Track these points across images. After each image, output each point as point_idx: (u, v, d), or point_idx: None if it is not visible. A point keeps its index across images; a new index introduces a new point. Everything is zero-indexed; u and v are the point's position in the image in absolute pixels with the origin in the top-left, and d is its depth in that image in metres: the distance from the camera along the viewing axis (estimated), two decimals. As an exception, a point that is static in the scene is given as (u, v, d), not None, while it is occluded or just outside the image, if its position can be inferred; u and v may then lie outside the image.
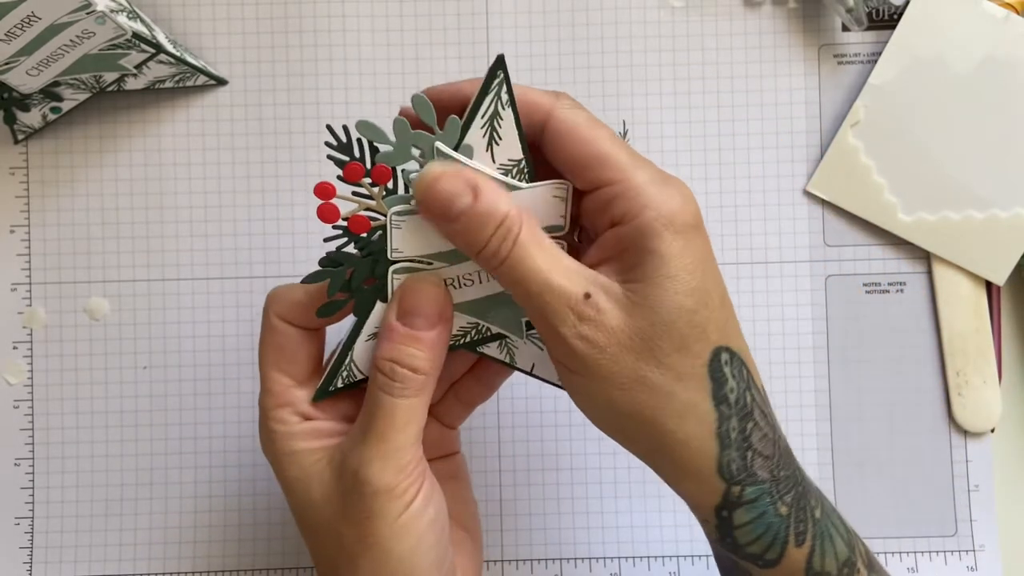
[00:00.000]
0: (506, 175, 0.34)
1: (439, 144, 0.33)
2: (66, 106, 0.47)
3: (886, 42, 0.48)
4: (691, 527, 0.49)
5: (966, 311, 0.49)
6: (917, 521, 0.49)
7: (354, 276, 0.34)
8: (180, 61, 0.46)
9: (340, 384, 0.36)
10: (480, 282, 0.35)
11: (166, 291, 0.49)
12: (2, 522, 0.48)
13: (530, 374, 0.37)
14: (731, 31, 0.49)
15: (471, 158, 0.33)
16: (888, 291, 0.49)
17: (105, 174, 0.49)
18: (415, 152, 0.33)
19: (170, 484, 0.48)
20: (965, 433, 0.49)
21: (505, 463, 0.49)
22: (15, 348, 0.49)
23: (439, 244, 0.34)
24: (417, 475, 0.34)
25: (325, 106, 0.49)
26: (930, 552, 0.49)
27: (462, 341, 0.36)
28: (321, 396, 0.36)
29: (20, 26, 0.40)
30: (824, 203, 0.49)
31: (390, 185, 0.34)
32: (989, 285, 0.49)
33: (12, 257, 0.49)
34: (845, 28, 0.49)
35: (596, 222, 0.34)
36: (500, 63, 0.32)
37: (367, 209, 0.34)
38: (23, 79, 0.43)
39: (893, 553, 0.49)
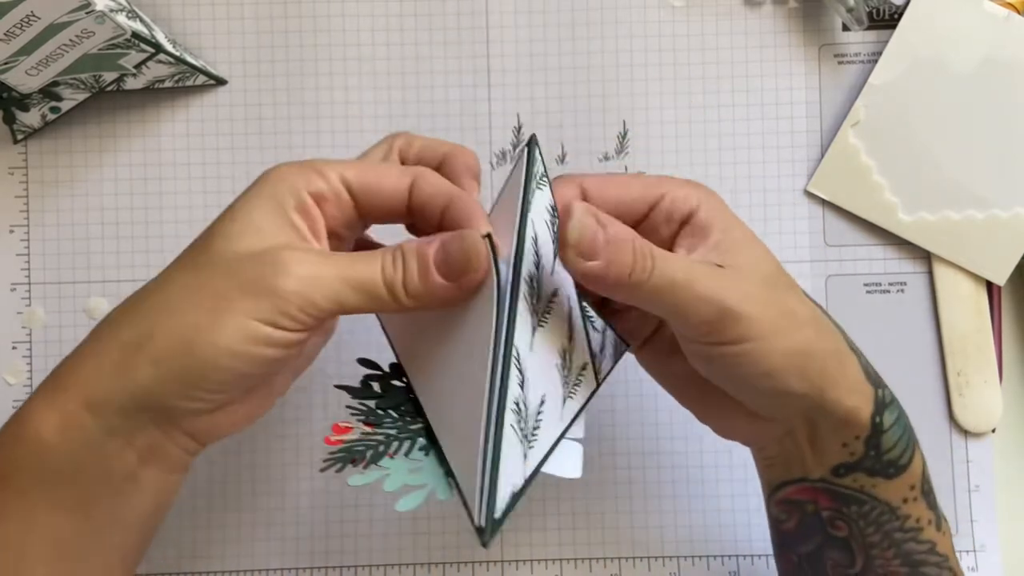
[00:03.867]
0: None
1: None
2: (65, 106, 0.47)
3: (886, 42, 0.48)
4: (691, 528, 0.49)
5: (967, 311, 0.49)
6: (917, 521, 0.49)
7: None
8: (179, 61, 0.46)
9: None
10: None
11: (166, 291, 0.49)
12: (1, 522, 0.48)
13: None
14: (731, 31, 0.49)
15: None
16: (889, 291, 0.49)
17: (105, 174, 0.49)
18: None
19: (170, 484, 0.48)
20: (966, 433, 0.49)
21: (505, 463, 0.49)
22: (14, 348, 0.49)
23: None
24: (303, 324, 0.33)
25: (325, 106, 0.49)
26: (930, 552, 0.49)
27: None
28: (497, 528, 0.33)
29: (19, 26, 0.39)
30: (824, 203, 0.49)
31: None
32: (990, 285, 0.49)
33: (12, 257, 0.49)
34: (845, 28, 0.49)
35: (663, 232, 0.37)
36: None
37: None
38: (22, 79, 0.43)
39: (893, 553, 0.49)
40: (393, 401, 0.36)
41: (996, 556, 0.49)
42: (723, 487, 0.49)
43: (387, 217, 0.36)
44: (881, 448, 0.36)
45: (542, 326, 0.35)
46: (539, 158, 0.36)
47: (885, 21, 0.49)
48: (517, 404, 0.33)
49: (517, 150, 0.34)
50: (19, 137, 0.48)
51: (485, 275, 0.33)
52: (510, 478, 0.32)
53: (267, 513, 0.48)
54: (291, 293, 0.32)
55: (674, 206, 0.36)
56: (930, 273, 0.49)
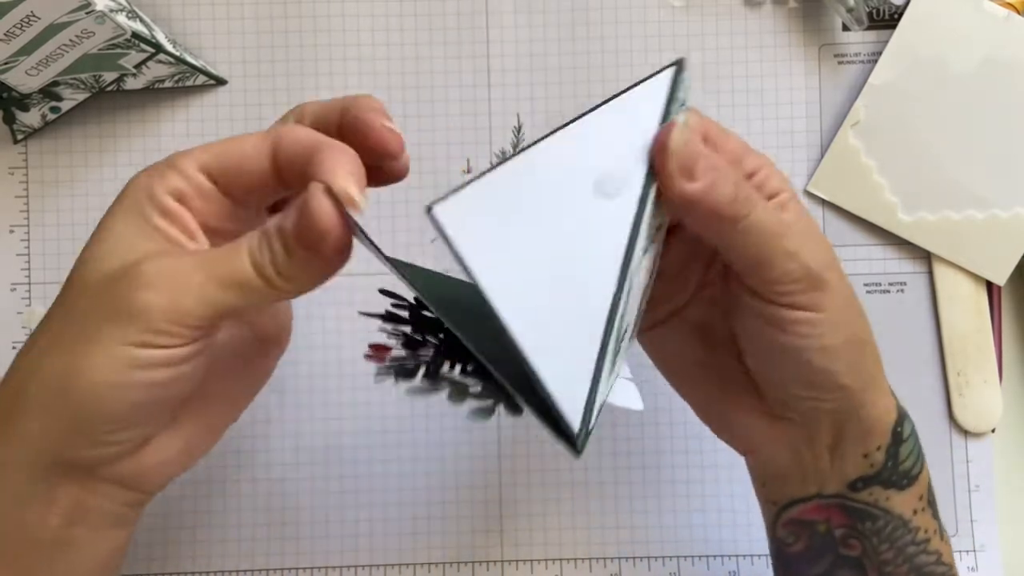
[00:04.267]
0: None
1: None
2: (65, 106, 0.47)
3: (886, 42, 0.48)
4: (691, 528, 0.49)
5: (967, 311, 0.49)
6: (917, 521, 0.49)
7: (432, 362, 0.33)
8: (180, 61, 0.46)
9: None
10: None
11: (166, 291, 0.49)
12: (1, 522, 0.48)
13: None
14: (731, 31, 0.49)
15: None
16: (889, 291, 0.49)
17: (105, 174, 0.49)
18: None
19: (169, 484, 0.48)
20: (966, 433, 0.49)
21: (505, 463, 0.49)
22: (15, 348, 0.49)
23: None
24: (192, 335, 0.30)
25: (325, 106, 0.49)
26: (930, 552, 0.49)
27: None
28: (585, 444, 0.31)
29: (19, 26, 0.39)
30: (824, 203, 0.49)
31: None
32: (989, 285, 0.49)
33: (12, 257, 0.49)
34: (845, 28, 0.49)
35: None
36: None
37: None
38: (22, 79, 0.43)
39: (893, 553, 0.49)
40: (428, 327, 0.34)
41: (996, 556, 0.49)
42: (723, 487, 0.49)
43: (258, 193, 0.32)
44: (899, 458, 0.36)
45: (647, 252, 0.32)
46: (686, 83, 0.33)
47: (885, 21, 0.49)
48: (620, 318, 0.30)
49: (651, 76, 0.32)
50: (19, 137, 0.48)
51: (338, 235, 0.29)
52: (601, 392, 0.30)
53: (266, 513, 0.48)
54: (155, 307, 0.28)
55: (768, 182, 0.34)
56: (930, 273, 0.49)
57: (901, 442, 0.36)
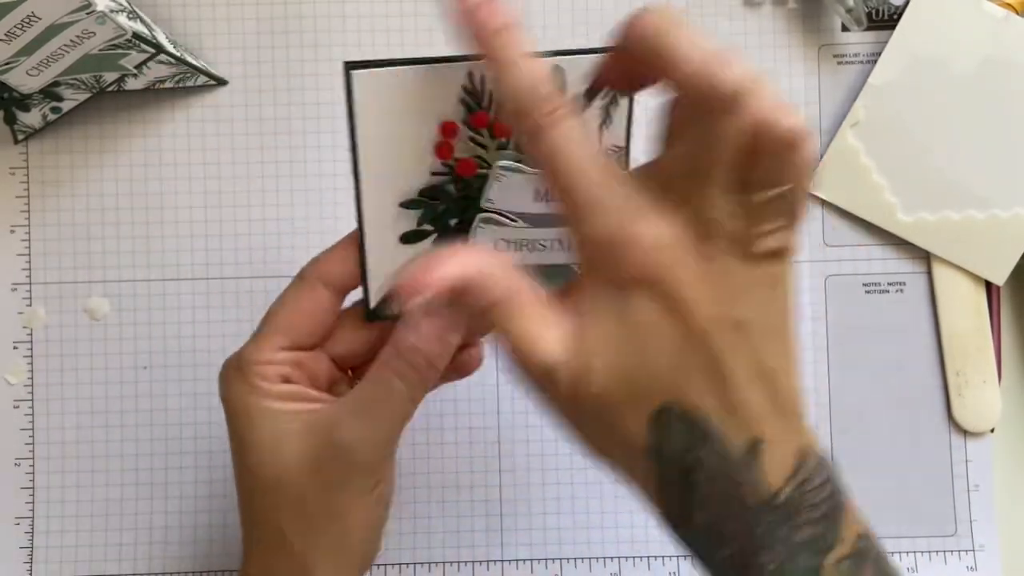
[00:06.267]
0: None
1: None
2: (66, 106, 0.47)
3: (886, 42, 0.48)
4: (691, 527, 0.49)
5: (966, 311, 0.49)
6: (917, 521, 0.49)
7: (444, 212, 0.36)
8: (180, 61, 0.46)
9: (397, 310, 0.36)
10: (550, 250, 0.37)
11: (166, 291, 0.49)
12: (2, 522, 0.48)
13: None
14: (731, 31, 0.49)
15: None
16: (888, 291, 0.49)
17: (105, 174, 0.49)
18: None
19: (170, 484, 0.48)
20: (965, 433, 0.49)
21: (505, 463, 0.49)
22: (15, 348, 0.49)
23: (528, 205, 0.36)
24: (392, 461, 0.37)
25: (325, 106, 0.49)
26: (930, 552, 0.49)
27: None
28: (377, 318, 0.37)
29: (20, 26, 0.40)
30: (824, 203, 0.49)
31: (504, 140, 0.35)
32: (989, 285, 0.49)
33: (12, 257, 0.49)
34: (845, 28, 0.49)
35: None
36: None
37: (477, 156, 0.35)
38: (23, 79, 0.43)
39: (892, 553, 0.49)
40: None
41: (995, 556, 0.49)
42: (723, 487, 0.49)
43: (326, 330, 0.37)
44: None
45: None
46: None
47: (884, 21, 0.49)
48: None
49: None
50: (20, 137, 0.48)
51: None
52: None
53: (267, 513, 0.49)
54: (366, 461, 0.35)
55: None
56: (929, 273, 0.49)
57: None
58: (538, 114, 0.30)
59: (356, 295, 0.37)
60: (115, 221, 0.49)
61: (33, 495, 0.48)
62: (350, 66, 0.33)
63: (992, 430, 0.49)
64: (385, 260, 0.36)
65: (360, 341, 0.38)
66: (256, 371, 0.36)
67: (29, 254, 0.49)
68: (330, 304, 0.37)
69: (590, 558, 0.49)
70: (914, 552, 0.48)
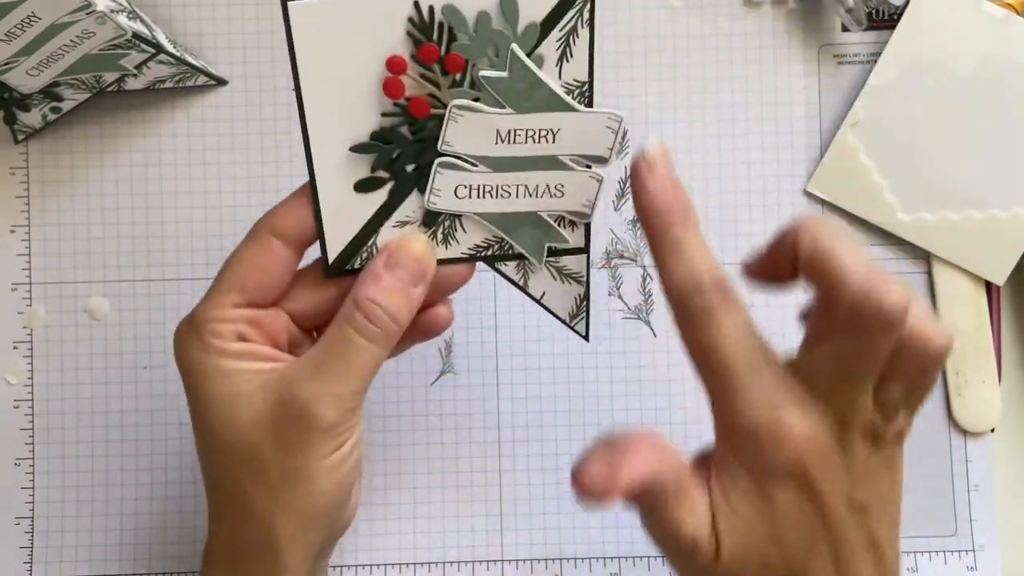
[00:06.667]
0: (568, 94, 0.34)
1: (514, 47, 0.33)
2: (66, 106, 0.47)
3: (886, 42, 0.48)
4: (691, 527, 0.49)
5: (966, 311, 0.49)
6: (916, 521, 0.49)
7: (399, 157, 0.34)
8: (180, 61, 0.46)
9: (358, 264, 0.36)
10: (515, 196, 0.35)
11: (166, 291, 0.49)
12: (2, 522, 0.48)
13: (538, 301, 0.38)
14: (731, 31, 0.49)
15: (540, 68, 0.33)
16: (888, 291, 0.49)
17: (105, 174, 0.49)
18: (490, 51, 0.33)
19: (170, 484, 0.48)
20: (965, 433, 0.49)
21: (505, 463, 0.49)
22: (15, 348, 0.49)
23: (489, 148, 0.34)
24: (357, 419, 0.35)
25: (325, 106, 0.49)
26: (930, 552, 0.49)
27: (484, 253, 0.36)
28: (337, 273, 0.36)
29: (20, 26, 0.40)
30: (824, 203, 0.49)
31: (458, 77, 0.33)
32: (989, 285, 0.49)
33: (12, 257, 0.49)
34: (845, 28, 0.49)
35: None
36: None
37: (430, 95, 0.34)
38: (23, 79, 0.43)
39: (893, 553, 0.49)
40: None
41: (995, 556, 0.49)
42: (723, 487, 0.49)
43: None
44: None
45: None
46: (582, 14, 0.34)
47: (884, 21, 0.49)
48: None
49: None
50: (20, 137, 0.48)
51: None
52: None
53: (267, 513, 0.49)
54: (327, 421, 0.34)
55: None
56: (929, 273, 0.49)
57: None
58: (709, 296, 0.32)
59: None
60: (115, 221, 0.49)
61: (33, 495, 0.48)
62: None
63: (992, 430, 0.49)
64: (341, 210, 0.35)
65: (320, 298, 0.36)
66: (210, 329, 0.35)
67: (29, 254, 0.49)
68: (286, 258, 0.35)
69: (590, 558, 0.49)
70: (914, 552, 0.49)
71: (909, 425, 0.32)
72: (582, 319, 0.38)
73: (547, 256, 0.37)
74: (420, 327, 0.38)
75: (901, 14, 0.48)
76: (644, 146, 0.33)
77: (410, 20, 0.33)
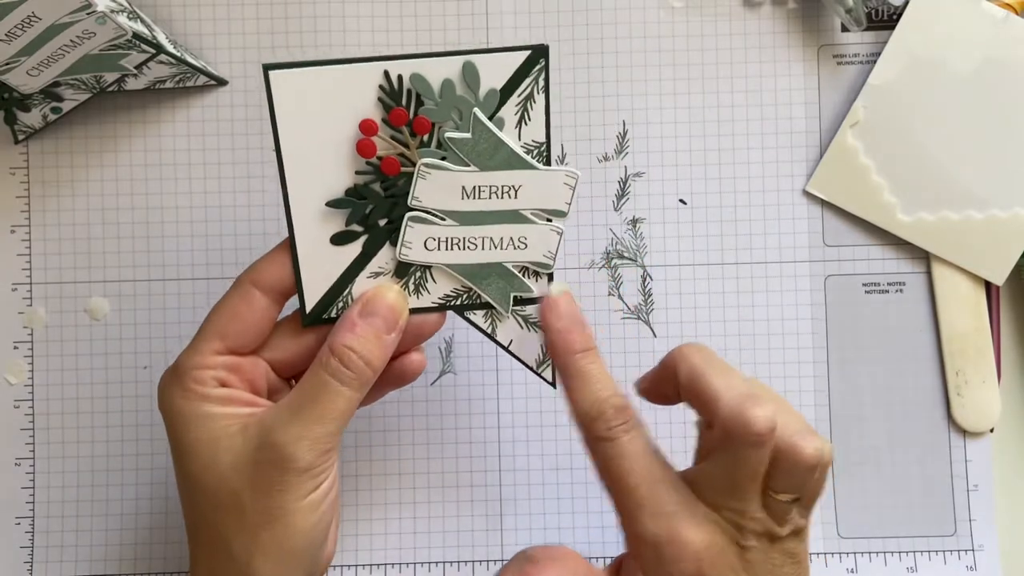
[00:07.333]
0: (528, 154, 0.36)
1: (477, 111, 0.36)
2: (66, 106, 0.47)
3: (886, 42, 0.48)
4: (691, 527, 0.49)
5: (965, 311, 0.49)
6: (916, 521, 0.49)
7: (372, 212, 0.37)
8: (180, 61, 0.46)
9: (335, 313, 0.38)
10: (481, 248, 0.37)
11: (166, 291, 0.49)
12: (2, 522, 0.48)
13: (506, 349, 0.39)
14: (731, 31, 0.49)
15: (501, 129, 0.36)
16: (887, 291, 0.49)
17: (105, 174, 0.49)
18: (455, 115, 0.36)
19: (170, 484, 0.48)
20: (964, 433, 0.49)
21: (505, 463, 0.49)
22: (15, 348, 0.49)
23: (456, 203, 0.37)
24: (333, 459, 0.36)
25: (325, 106, 0.49)
26: (929, 552, 0.49)
27: (454, 303, 0.39)
28: (314, 322, 0.38)
29: (21, 26, 0.40)
30: (823, 203, 0.49)
31: (426, 138, 0.36)
32: (988, 285, 0.49)
33: (12, 257, 0.49)
34: (844, 28, 0.49)
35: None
36: (543, 53, 0.36)
37: (400, 155, 0.36)
38: (24, 79, 0.43)
39: (892, 553, 0.49)
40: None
41: (995, 556, 0.49)
42: (722, 487, 0.49)
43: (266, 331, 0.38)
44: None
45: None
46: (538, 80, 0.36)
47: (884, 22, 0.49)
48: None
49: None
50: (20, 137, 0.48)
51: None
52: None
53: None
54: (302, 463, 0.35)
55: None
56: (929, 273, 0.49)
57: None
58: (610, 423, 0.36)
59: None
60: (115, 221, 0.49)
61: (33, 495, 0.48)
62: (268, 67, 0.35)
63: (991, 430, 0.49)
64: (318, 262, 0.37)
65: (298, 347, 0.38)
66: (192, 376, 0.36)
67: (29, 254, 0.49)
68: (266, 309, 0.37)
69: (590, 558, 0.49)
70: (914, 552, 0.49)
71: (807, 520, 0.36)
72: (548, 365, 0.40)
73: (513, 305, 0.39)
74: (394, 374, 0.39)
75: (901, 14, 0.48)
76: (549, 290, 0.38)
77: (381, 87, 0.36)
